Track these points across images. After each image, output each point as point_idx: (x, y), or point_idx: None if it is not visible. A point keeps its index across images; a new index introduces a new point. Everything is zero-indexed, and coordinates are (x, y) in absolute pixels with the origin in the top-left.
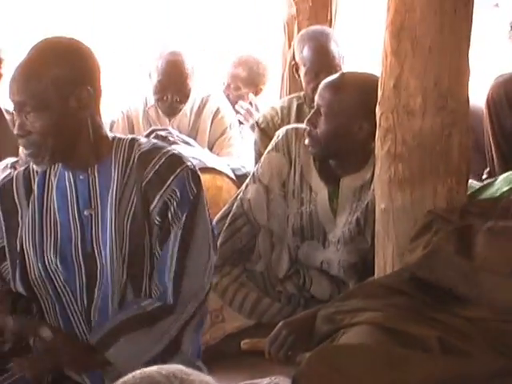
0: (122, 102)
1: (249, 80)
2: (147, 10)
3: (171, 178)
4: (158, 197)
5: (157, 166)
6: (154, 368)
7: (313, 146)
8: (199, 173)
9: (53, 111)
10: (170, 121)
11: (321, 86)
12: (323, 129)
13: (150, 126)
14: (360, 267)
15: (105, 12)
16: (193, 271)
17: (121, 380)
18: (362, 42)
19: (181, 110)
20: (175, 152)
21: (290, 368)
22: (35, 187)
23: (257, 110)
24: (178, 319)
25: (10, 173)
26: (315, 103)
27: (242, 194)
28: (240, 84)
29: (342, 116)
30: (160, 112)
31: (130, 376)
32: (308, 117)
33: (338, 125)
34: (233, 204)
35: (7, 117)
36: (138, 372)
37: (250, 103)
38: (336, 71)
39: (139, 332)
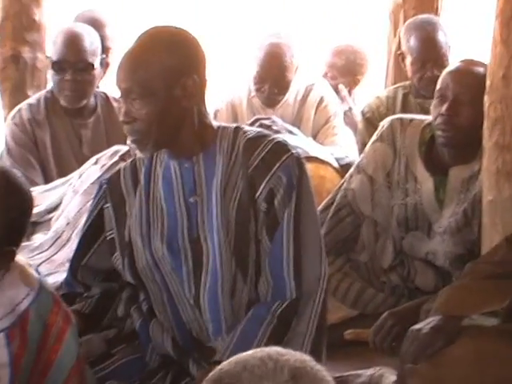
0: (226, 90)
1: (346, 69)
2: None
3: (277, 164)
4: (263, 184)
5: (263, 153)
6: (248, 352)
7: (451, 134)
8: (304, 160)
9: (158, 99)
10: (273, 110)
11: (453, 74)
12: (468, 116)
13: (254, 114)
14: (466, 259)
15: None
16: (310, 260)
17: (218, 368)
18: (469, 31)
19: (280, 101)
20: (280, 139)
21: (394, 359)
22: (141, 177)
23: (351, 102)
24: (304, 313)
25: (116, 161)
26: (445, 92)
27: (345, 184)
28: (336, 73)
29: (480, 104)
30: (260, 100)
31: (225, 363)
32: (447, 105)
33: (479, 112)
34: (336, 194)
35: (114, 104)
36: (233, 358)
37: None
38: (443, 61)
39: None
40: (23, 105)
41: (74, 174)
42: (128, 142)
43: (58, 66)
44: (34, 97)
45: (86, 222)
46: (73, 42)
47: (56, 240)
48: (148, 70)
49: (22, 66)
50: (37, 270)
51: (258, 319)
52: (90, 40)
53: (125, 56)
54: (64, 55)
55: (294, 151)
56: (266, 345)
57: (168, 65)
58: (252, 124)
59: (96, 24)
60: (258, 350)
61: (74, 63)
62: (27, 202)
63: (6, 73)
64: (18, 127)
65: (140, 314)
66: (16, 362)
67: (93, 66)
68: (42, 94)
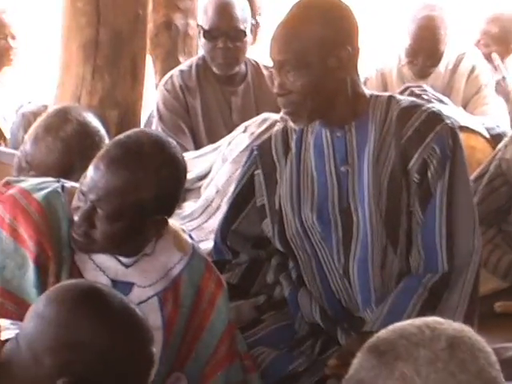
0: (376, 59)
1: (500, 38)
2: None
3: (431, 135)
4: (416, 154)
5: (416, 123)
6: (407, 321)
7: None
8: (458, 131)
9: (313, 70)
10: (425, 80)
11: None
12: None
13: (404, 84)
14: None
15: None
16: (463, 233)
17: (374, 336)
18: None
19: (431, 72)
20: (434, 109)
21: None
22: (292, 145)
23: (504, 71)
24: (456, 287)
25: (265, 128)
26: None
27: (500, 153)
28: (490, 41)
29: None
30: (412, 72)
31: (382, 331)
32: None
33: None
34: (490, 163)
35: (265, 72)
36: (390, 326)
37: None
38: None
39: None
40: (175, 71)
41: (223, 141)
42: (281, 113)
43: (209, 34)
44: (185, 63)
45: (236, 187)
46: (224, 10)
47: (206, 208)
48: (302, 41)
49: (174, 33)
50: (190, 236)
51: (409, 291)
52: (241, 7)
53: (278, 28)
54: (216, 23)
55: (448, 121)
56: (417, 317)
57: (322, 36)
58: (402, 92)
59: None
60: (418, 318)
61: (226, 31)
62: (181, 171)
63: (158, 39)
64: (169, 93)
65: (289, 282)
66: (168, 326)
67: (244, 33)
68: (193, 60)
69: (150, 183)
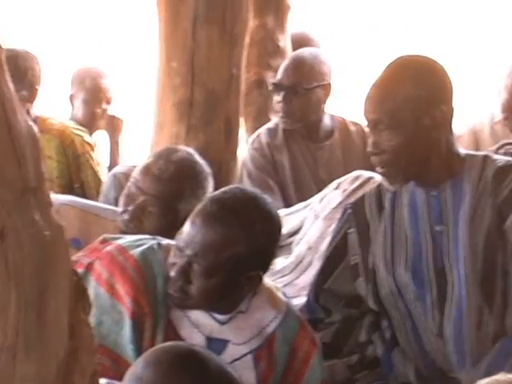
0: (468, 116)
1: None
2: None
3: None
4: None
5: None
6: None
7: None
8: None
9: (406, 130)
10: None
11: None
12: None
13: (496, 142)
14: None
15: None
16: None
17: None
18: None
19: None
20: None
21: None
22: (386, 204)
23: None
24: None
25: (358, 186)
26: None
27: None
28: None
29: None
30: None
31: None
32: None
33: None
34: None
35: (352, 128)
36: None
37: None
38: None
39: None
40: (262, 129)
41: (315, 199)
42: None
43: (274, 87)
44: (272, 121)
45: (330, 245)
46: (291, 66)
47: (298, 264)
48: (396, 101)
49: (266, 91)
50: (284, 293)
51: (506, 352)
52: (314, 65)
53: (372, 87)
54: (280, 77)
55: None
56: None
57: (416, 95)
58: (498, 150)
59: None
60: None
61: (287, 86)
62: (276, 226)
63: (249, 98)
64: (257, 151)
65: (382, 341)
66: None
67: (306, 90)
68: (279, 118)
69: (246, 239)
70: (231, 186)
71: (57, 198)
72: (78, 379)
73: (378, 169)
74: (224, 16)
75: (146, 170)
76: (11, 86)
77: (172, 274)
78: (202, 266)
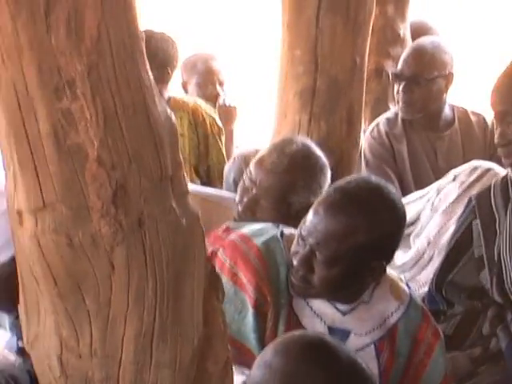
0: None
1: None
2: None
3: None
4: None
5: None
6: None
7: None
8: None
9: None
10: None
11: None
12: None
13: None
14: None
15: None
16: None
17: None
18: None
19: None
20: None
21: None
22: None
23: None
24: None
25: (476, 178)
26: None
27: None
28: None
29: None
30: None
31: None
32: None
33: None
34: None
35: (473, 118)
36: None
37: None
38: None
39: None
40: (381, 118)
41: (431, 189)
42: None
43: (395, 77)
44: (391, 110)
45: (453, 237)
46: (412, 55)
47: (418, 260)
48: None
49: (385, 80)
50: (407, 285)
51: None
52: (435, 55)
53: (500, 78)
54: (401, 67)
55: None
56: None
57: None
58: None
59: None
60: None
61: (408, 76)
62: (400, 216)
63: (368, 86)
64: (375, 140)
65: (507, 334)
66: (385, 375)
67: (428, 80)
68: (399, 108)
69: (369, 228)
70: (355, 176)
71: None
72: (211, 366)
73: (505, 160)
74: (348, 4)
75: (260, 162)
76: (151, 73)
77: (294, 262)
78: (324, 255)
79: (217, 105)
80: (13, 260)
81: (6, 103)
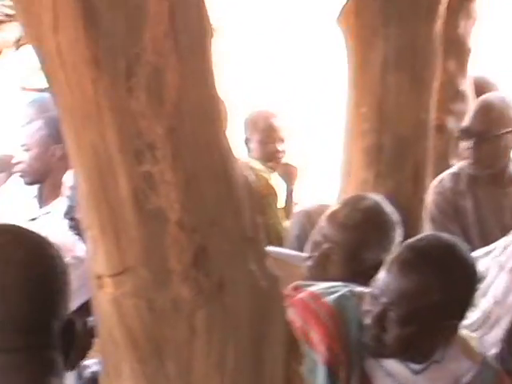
0: None
1: None
2: None
3: None
4: None
5: None
6: None
7: None
8: None
9: None
10: None
11: None
12: None
13: None
14: None
15: None
16: None
17: None
18: None
19: None
20: None
21: None
22: None
23: None
24: None
25: None
26: None
27: None
28: None
29: None
30: None
31: None
32: None
33: None
34: None
35: None
36: None
37: None
38: None
39: None
40: (446, 174)
41: (498, 246)
42: None
43: (463, 133)
44: (456, 166)
45: None
46: (480, 111)
47: (485, 320)
48: None
49: (447, 136)
50: (479, 343)
51: None
52: (504, 111)
53: None
54: (469, 123)
55: None
56: None
57: None
58: None
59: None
60: None
61: (477, 132)
62: (473, 275)
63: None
64: (440, 196)
65: None
66: None
67: (497, 137)
68: (463, 163)
69: (442, 287)
70: (427, 234)
71: None
72: None
73: None
74: (414, 61)
75: (332, 217)
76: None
77: (367, 321)
78: (397, 315)
79: (278, 162)
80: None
81: (87, 167)
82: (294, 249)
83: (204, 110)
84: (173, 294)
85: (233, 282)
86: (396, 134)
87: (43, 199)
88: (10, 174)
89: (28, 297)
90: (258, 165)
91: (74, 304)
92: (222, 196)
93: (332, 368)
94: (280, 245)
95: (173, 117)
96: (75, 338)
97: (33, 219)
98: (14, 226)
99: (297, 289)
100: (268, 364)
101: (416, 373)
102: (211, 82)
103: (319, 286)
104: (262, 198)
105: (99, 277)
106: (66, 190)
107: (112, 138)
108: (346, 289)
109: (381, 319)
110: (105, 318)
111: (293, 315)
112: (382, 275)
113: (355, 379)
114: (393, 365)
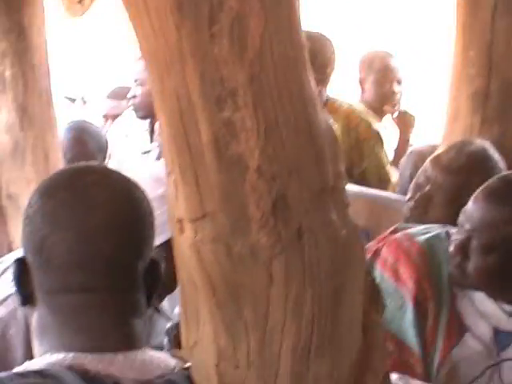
0: None
1: None
2: None
3: None
4: None
5: None
6: None
7: None
8: None
9: None
10: None
11: None
12: None
13: None
14: None
15: None
16: None
17: None
18: None
19: None
20: None
21: None
22: None
23: None
24: None
25: None
26: None
27: None
28: None
29: None
30: None
31: None
32: None
33: None
34: None
35: None
36: None
37: None
38: None
39: None
40: None
41: None
42: None
43: None
44: None
45: None
46: None
47: None
48: None
49: None
50: None
51: None
52: None
53: None
54: None
55: None
56: None
57: None
58: None
59: None
60: None
61: None
62: None
63: None
64: None
65: None
66: None
67: None
68: None
69: None
70: None
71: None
72: (370, 379)
73: None
74: None
75: (436, 160)
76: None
77: (451, 249)
78: (480, 242)
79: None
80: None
81: (169, 112)
82: (407, 189)
83: (288, 58)
84: (251, 241)
85: (312, 231)
86: (504, 80)
87: (154, 133)
88: (126, 106)
89: (113, 238)
90: (360, 108)
91: (158, 239)
92: (302, 144)
93: (420, 305)
94: (383, 189)
95: (255, 64)
96: (159, 279)
97: (146, 152)
98: (100, 166)
99: (395, 231)
100: (346, 313)
101: (510, 315)
102: (296, 28)
103: (415, 228)
104: (362, 141)
105: (180, 221)
106: None
107: (194, 85)
108: (441, 230)
109: (464, 246)
110: (185, 262)
111: (384, 254)
112: (469, 203)
113: (444, 318)
114: (486, 305)
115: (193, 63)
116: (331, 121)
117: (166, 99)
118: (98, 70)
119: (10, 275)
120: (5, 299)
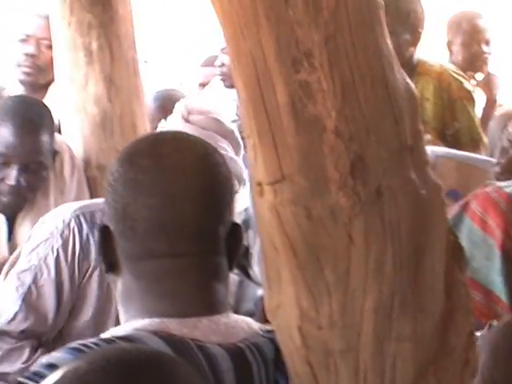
0: None
1: None
2: None
3: None
4: None
5: None
6: None
7: None
8: None
9: None
10: None
11: None
12: None
13: None
14: None
15: None
16: None
17: None
18: None
19: None
20: None
21: None
22: None
23: None
24: None
25: None
26: None
27: None
28: None
29: None
30: None
31: None
32: None
33: None
34: None
35: None
36: None
37: None
38: None
39: None
40: None
41: None
42: None
43: None
44: None
45: None
46: None
47: None
48: None
49: None
50: None
51: None
52: None
53: None
54: None
55: None
56: None
57: None
58: None
59: None
60: None
61: None
62: None
63: None
64: None
65: None
66: None
67: None
68: None
69: None
70: None
71: (434, 150)
72: (454, 339)
73: None
74: None
75: None
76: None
77: None
78: None
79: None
80: None
81: (245, 75)
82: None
83: (362, 17)
84: (330, 202)
85: (391, 191)
86: None
87: None
88: (214, 74)
89: (196, 203)
90: (451, 68)
91: None
92: (379, 104)
93: (507, 252)
94: (475, 148)
95: (330, 24)
96: (240, 243)
97: (234, 121)
98: (180, 133)
99: (485, 186)
100: (428, 272)
101: None
102: None
103: (506, 183)
104: (455, 101)
105: (259, 184)
106: None
107: (269, 47)
108: None
109: None
110: (265, 224)
111: (473, 206)
112: None
113: None
114: None
115: (267, 26)
116: (409, 81)
117: (242, 63)
118: (185, 39)
119: (48, 225)
120: (37, 246)
